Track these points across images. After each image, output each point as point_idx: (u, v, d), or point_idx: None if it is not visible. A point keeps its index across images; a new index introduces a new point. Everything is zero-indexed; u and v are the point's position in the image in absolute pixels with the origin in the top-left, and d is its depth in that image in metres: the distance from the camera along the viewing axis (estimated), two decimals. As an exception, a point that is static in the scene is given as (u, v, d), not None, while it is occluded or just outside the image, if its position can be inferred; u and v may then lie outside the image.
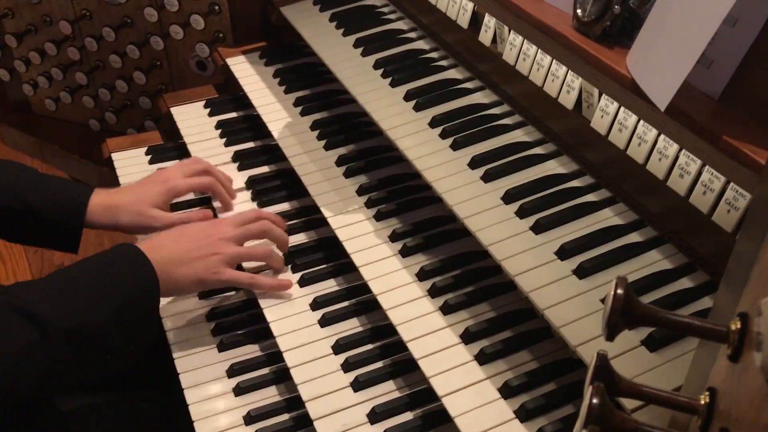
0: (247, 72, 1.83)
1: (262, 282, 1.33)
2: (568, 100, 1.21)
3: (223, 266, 1.29)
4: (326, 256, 1.42)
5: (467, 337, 1.16)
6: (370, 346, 1.26)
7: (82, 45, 2.48)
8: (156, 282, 1.21)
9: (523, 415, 1.07)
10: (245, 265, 1.38)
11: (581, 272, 1.11)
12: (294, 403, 1.23)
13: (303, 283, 1.36)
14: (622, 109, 1.09)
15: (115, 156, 1.77)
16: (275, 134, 1.61)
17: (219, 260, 1.29)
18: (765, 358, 0.46)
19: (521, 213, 1.21)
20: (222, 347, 1.32)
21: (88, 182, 2.20)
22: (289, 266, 1.40)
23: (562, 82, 1.21)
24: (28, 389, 1.08)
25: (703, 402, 0.59)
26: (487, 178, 1.28)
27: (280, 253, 1.39)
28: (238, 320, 1.37)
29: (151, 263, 1.21)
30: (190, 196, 1.58)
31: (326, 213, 1.40)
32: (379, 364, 1.23)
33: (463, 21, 1.44)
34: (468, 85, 1.50)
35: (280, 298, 1.34)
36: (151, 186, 1.48)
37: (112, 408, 1.36)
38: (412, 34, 1.68)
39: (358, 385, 1.20)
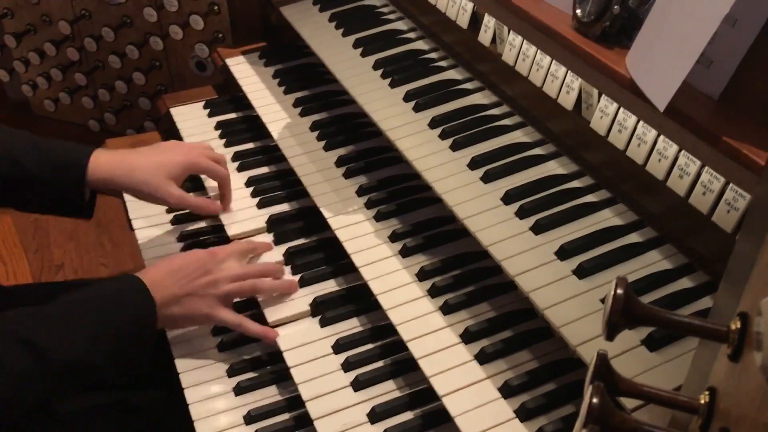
0: (247, 72, 1.83)
1: (247, 327, 1.29)
2: (567, 101, 1.21)
3: (216, 306, 1.28)
4: (326, 256, 1.42)
5: (467, 337, 1.17)
6: (370, 346, 1.26)
7: (81, 45, 2.48)
8: (155, 319, 1.21)
9: (524, 414, 1.07)
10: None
11: (581, 272, 1.11)
12: (294, 402, 1.23)
13: (303, 283, 1.36)
14: (621, 109, 1.09)
15: (114, 156, 1.77)
16: (275, 135, 1.61)
17: (213, 300, 1.27)
18: (765, 357, 0.46)
19: (521, 213, 1.21)
20: (222, 347, 1.32)
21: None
22: (289, 266, 1.40)
23: (561, 83, 1.21)
24: (22, 412, 1.09)
25: (703, 401, 0.60)
26: (486, 178, 1.28)
27: (271, 280, 1.36)
28: (238, 320, 1.37)
29: (153, 301, 1.21)
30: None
31: (326, 213, 1.40)
32: (379, 364, 1.23)
33: (463, 21, 1.44)
34: (468, 85, 1.50)
35: (280, 299, 1.34)
36: (170, 154, 1.43)
37: (112, 408, 1.36)
38: (412, 35, 1.68)
39: (358, 385, 1.20)
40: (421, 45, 1.64)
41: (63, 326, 1.13)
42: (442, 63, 1.57)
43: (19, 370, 1.06)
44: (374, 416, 1.15)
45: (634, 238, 1.16)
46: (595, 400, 0.58)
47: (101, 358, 1.14)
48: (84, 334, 1.13)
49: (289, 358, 1.24)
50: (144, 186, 1.40)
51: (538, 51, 1.25)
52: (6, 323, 1.10)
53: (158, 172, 1.40)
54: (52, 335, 1.10)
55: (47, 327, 1.11)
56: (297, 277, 1.37)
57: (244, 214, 1.52)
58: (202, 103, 1.86)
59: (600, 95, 1.14)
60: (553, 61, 1.22)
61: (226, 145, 1.71)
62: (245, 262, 1.38)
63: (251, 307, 1.37)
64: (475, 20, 1.42)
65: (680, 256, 1.11)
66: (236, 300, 1.35)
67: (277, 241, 1.46)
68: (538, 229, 1.18)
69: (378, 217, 1.38)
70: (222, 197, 1.52)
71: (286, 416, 1.23)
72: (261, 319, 1.32)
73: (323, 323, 1.30)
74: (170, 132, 1.85)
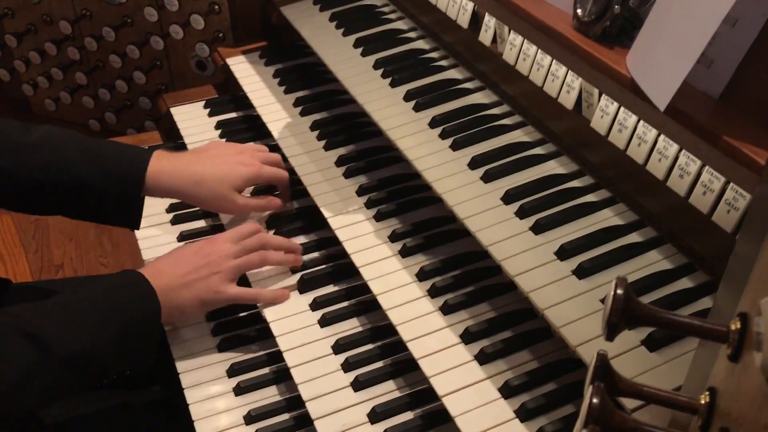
0: (247, 72, 1.83)
1: (265, 295, 1.31)
2: (568, 100, 1.21)
3: (225, 283, 1.28)
4: (326, 256, 1.42)
5: (467, 337, 1.16)
6: (370, 346, 1.26)
7: (82, 45, 2.48)
8: (158, 310, 1.21)
9: (524, 414, 1.07)
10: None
11: (581, 272, 1.11)
12: (294, 402, 1.23)
13: (302, 283, 1.36)
14: (622, 109, 1.09)
15: (115, 156, 1.77)
16: (275, 134, 1.61)
17: (220, 278, 1.27)
18: (765, 358, 0.46)
19: (521, 213, 1.21)
20: (222, 347, 1.32)
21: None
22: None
23: (562, 82, 1.21)
24: (28, 406, 1.09)
25: (703, 402, 0.60)
26: (487, 178, 1.28)
27: (277, 254, 1.37)
28: (238, 320, 1.37)
29: (154, 291, 1.21)
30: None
31: (326, 213, 1.40)
32: (379, 364, 1.23)
33: (463, 21, 1.44)
34: (468, 85, 1.50)
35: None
36: (236, 166, 1.42)
37: (113, 408, 1.36)
38: (412, 34, 1.68)
39: (358, 385, 1.20)
40: (421, 44, 1.64)
41: (66, 319, 1.13)
42: (443, 62, 1.57)
43: (23, 364, 1.05)
44: (374, 416, 1.15)
45: (634, 238, 1.16)
46: (595, 401, 0.58)
47: (106, 349, 1.14)
48: (87, 326, 1.13)
49: (289, 358, 1.24)
50: (209, 199, 1.41)
51: (539, 50, 1.25)
52: (8, 318, 1.09)
53: (223, 185, 1.40)
54: (56, 328, 1.10)
55: (50, 320, 1.11)
56: (297, 276, 1.37)
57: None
58: (203, 102, 1.86)
59: (600, 95, 1.13)
60: (554, 61, 1.22)
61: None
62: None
63: (251, 306, 1.37)
64: (476, 20, 1.42)
65: (680, 256, 1.11)
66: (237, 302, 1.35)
67: (277, 241, 1.45)
68: (538, 228, 1.18)
69: (378, 217, 1.38)
70: (281, 195, 1.52)
71: (286, 416, 1.22)
72: (261, 319, 1.32)
73: (323, 323, 1.29)
74: (170, 131, 1.85)
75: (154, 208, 1.57)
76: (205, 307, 1.31)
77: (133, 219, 1.39)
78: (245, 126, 1.77)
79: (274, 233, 1.44)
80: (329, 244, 1.42)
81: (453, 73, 1.54)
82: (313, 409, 1.16)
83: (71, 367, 1.11)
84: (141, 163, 1.35)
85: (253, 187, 1.53)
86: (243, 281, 1.35)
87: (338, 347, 1.25)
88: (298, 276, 1.37)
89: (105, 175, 1.33)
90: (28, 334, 1.07)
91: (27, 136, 1.34)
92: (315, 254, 1.42)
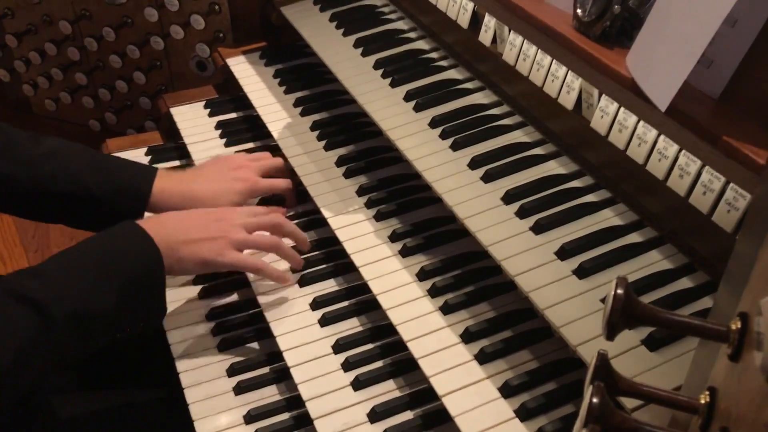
0: (247, 72, 1.83)
1: (269, 269, 1.31)
2: (568, 101, 1.21)
3: (230, 249, 1.27)
4: (326, 256, 1.42)
5: (467, 337, 1.17)
6: (370, 346, 1.26)
7: (82, 45, 2.48)
8: (160, 258, 1.20)
9: (524, 414, 1.07)
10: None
11: (581, 272, 1.11)
12: (294, 402, 1.23)
13: (303, 283, 1.36)
14: (622, 109, 1.09)
15: (115, 156, 1.77)
16: (275, 135, 1.61)
17: (226, 243, 1.27)
18: (765, 357, 0.46)
19: (521, 213, 1.21)
20: (222, 347, 1.32)
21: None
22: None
23: (562, 83, 1.21)
24: (35, 376, 1.07)
25: (703, 401, 0.60)
26: (487, 178, 1.28)
27: (290, 243, 1.37)
28: (238, 320, 1.37)
29: (153, 240, 1.20)
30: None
31: (326, 213, 1.40)
32: (379, 364, 1.23)
33: (463, 21, 1.44)
34: (468, 85, 1.50)
35: (280, 300, 1.34)
36: (231, 183, 1.44)
37: (113, 408, 1.36)
38: (412, 34, 1.68)
39: (358, 385, 1.20)
40: (421, 45, 1.64)
41: (62, 279, 1.11)
42: (443, 63, 1.57)
43: (23, 330, 1.04)
44: (374, 416, 1.15)
45: (634, 237, 1.16)
46: (595, 400, 0.58)
47: (106, 306, 1.12)
48: (84, 283, 1.12)
49: (289, 358, 1.24)
50: None
51: (539, 51, 1.25)
52: (3, 284, 1.07)
53: (220, 202, 1.41)
54: (52, 289, 1.08)
55: (45, 282, 1.09)
56: (298, 276, 1.37)
57: (245, 214, 1.52)
58: (203, 102, 1.86)
59: (600, 95, 1.14)
60: (554, 61, 1.22)
61: (227, 144, 1.71)
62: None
63: (251, 306, 1.37)
64: (476, 20, 1.42)
65: (680, 256, 1.11)
66: (236, 299, 1.35)
67: (278, 241, 1.45)
68: (538, 228, 1.18)
69: (378, 217, 1.38)
70: (287, 201, 1.53)
71: (286, 416, 1.22)
72: (261, 319, 1.32)
73: (323, 323, 1.29)
74: (170, 132, 1.85)
75: (154, 208, 1.57)
76: (205, 267, 1.30)
77: None
78: (245, 126, 1.77)
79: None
80: (329, 243, 1.42)
81: (453, 74, 1.54)
82: (312, 408, 1.16)
83: (74, 327, 1.08)
84: (147, 180, 1.39)
85: (259, 197, 1.53)
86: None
87: (338, 347, 1.25)
88: (298, 275, 1.37)
89: (112, 189, 1.36)
90: (27, 300, 1.05)
91: (37, 147, 1.36)
92: (315, 254, 1.42)
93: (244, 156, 1.55)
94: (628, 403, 0.91)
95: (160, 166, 1.71)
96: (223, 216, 1.31)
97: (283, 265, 1.38)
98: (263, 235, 1.33)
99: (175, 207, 1.38)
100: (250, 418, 1.21)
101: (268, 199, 1.54)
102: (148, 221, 1.25)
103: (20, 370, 1.04)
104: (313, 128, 1.61)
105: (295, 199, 1.54)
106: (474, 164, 1.31)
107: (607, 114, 1.12)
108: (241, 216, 1.33)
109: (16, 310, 1.05)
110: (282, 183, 1.50)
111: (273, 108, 1.69)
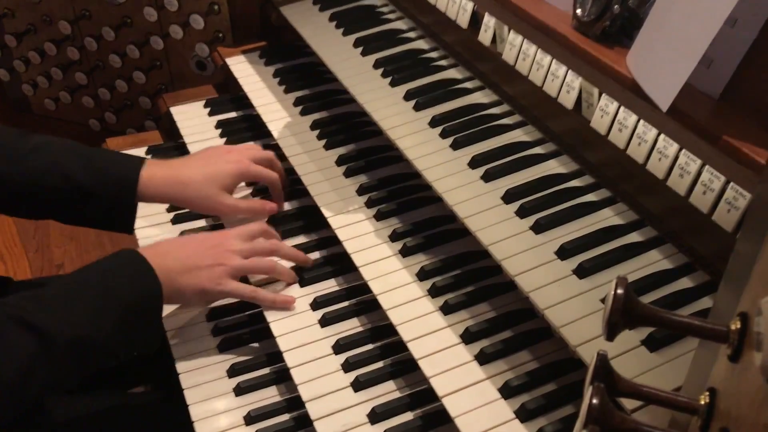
0: (247, 72, 1.83)
1: (263, 296, 1.31)
2: (568, 100, 1.21)
3: (227, 278, 1.28)
4: (326, 256, 1.42)
5: (467, 337, 1.16)
6: (370, 346, 1.26)
7: (81, 45, 2.48)
8: (159, 289, 1.20)
9: (524, 415, 1.07)
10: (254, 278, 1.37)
11: (581, 272, 1.11)
12: (294, 403, 1.23)
13: (303, 283, 1.36)
14: (621, 108, 1.09)
15: (115, 156, 1.77)
16: (275, 134, 1.61)
17: (223, 271, 1.27)
18: (765, 358, 0.46)
19: (521, 213, 1.21)
20: (222, 347, 1.32)
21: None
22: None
23: (561, 82, 1.21)
24: (33, 398, 1.08)
25: (703, 402, 0.59)
26: (487, 177, 1.28)
27: (287, 265, 1.37)
28: (238, 320, 1.36)
29: (154, 270, 1.20)
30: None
31: (326, 213, 1.40)
32: (379, 364, 1.23)
33: (463, 21, 1.44)
34: (468, 84, 1.50)
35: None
36: (220, 165, 1.44)
37: (113, 408, 1.36)
38: (412, 34, 1.68)
39: (358, 385, 1.20)
40: (421, 44, 1.64)
41: (63, 305, 1.11)
42: (442, 62, 1.57)
43: (23, 354, 1.04)
44: (374, 417, 1.15)
45: (634, 237, 1.16)
46: (595, 401, 0.58)
47: (105, 333, 1.12)
48: (85, 310, 1.12)
49: (289, 359, 1.24)
50: (197, 200, 1.42)
51: (539, 50, 1.24)
52: (5, 308, 1.08)
53: (210, 185, 1.41)
54: (53, 315, 1.09)
55: (47, 308, 1.10)
56: (298, 276, 1.37)
57: (244, 214, 1.52)
58: (203, 102, 1.86)
59: (600, 94, 1.13)
60: (554, 61, 1.22)
61: (227, 144, 1.71)
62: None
63: (251, 306, 1.37)
64: (475, 20, 1.42)
65: (680, 256, 1.11)
66: (236, 300, 1.35)
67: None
68: (538, 228, 1.18)
69: (378, 217, 1.38)
70: (274, 198, 1.52)
71: (286, 417, 1.22)
72: (261, 320, 1.32)
73: (323, 323, 1.29)
74: (170, 131, 1.85)
75: (155, 208, 1.57)
76: (204, 297, 1.30)
77: (126, 224, 1.41)
78: (245, 126, 1.77)
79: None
80: (329, 243, 1.42)
81: (453, 73, 1.54)
82: (313, 409, 1.16)
83: (73, 354, 1.09)
84: (134, 169, 1.38)
85: (250, 191, 1.52)
86: (242, 279, 1.35)
87: (338, 347, 1.25)
88: (298, 276, 1.37)
89: (100, 181, 1.35)
90: (27, 324, 1.06)
91: (24, 143, 1.36)
92: (315, 254, 1.42)
93: (235, 146, 1.55)
94: (628, 403, 0.91)
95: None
96: (219, 242, 1.30)
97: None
98: (260, 261, 1.33)
99: (164, 193, 1.39)
100: (250, 419, 1.21)
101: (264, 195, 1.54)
102: (148, 249, 1.24)
103: (20, 391, 1.04)
104: (313, 127, 1.61)
105: (283, 198, 1.53)
106: (474, 163, 1.31)
107: (607, 113, 1.11)
108: (237, 242, 1.32)
109: (18, 335, 1.05)
110: (271, 174, 1.50)
111: (273, 107, 1.69)
